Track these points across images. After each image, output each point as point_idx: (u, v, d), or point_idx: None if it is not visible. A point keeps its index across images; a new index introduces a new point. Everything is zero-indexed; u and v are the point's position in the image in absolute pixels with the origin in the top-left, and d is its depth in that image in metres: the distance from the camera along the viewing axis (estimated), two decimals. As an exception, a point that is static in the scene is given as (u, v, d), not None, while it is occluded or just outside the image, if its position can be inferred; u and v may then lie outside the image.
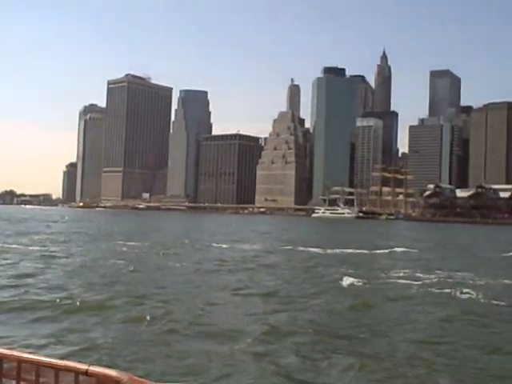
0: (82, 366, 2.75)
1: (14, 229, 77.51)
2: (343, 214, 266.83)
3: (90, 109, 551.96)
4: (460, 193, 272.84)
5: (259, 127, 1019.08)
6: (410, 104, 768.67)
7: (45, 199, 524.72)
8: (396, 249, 55.76)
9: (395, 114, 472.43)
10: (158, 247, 49.86)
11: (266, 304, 22.31)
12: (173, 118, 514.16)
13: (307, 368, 13.50)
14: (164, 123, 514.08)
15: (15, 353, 2.95)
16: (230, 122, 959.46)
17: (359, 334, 17.21)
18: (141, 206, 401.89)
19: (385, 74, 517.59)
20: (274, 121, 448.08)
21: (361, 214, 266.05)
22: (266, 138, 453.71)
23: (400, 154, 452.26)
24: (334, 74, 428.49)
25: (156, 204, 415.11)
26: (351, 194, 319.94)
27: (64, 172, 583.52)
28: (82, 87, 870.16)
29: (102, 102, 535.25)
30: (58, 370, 2.78)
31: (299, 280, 30.54)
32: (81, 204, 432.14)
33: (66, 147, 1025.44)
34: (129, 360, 13.55)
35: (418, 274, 32.61)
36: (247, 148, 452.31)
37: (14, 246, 46.70)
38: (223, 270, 34.07)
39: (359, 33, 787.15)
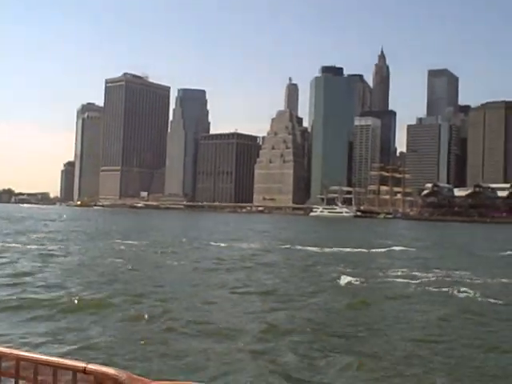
0: (80, 364, 2.74)
1: (12, 227, 77.41)
2: (341, 212, 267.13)
3: (87, 107, 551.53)
4: (458, 192, 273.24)
5: (258, 127, 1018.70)
6: (408, 103, 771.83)
7: (43, 198, 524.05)
8: (394, 248, 55.86)
9: (393, 114, 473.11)
10: (156, 246, 49.85)
11: (264, 302, 22.32)
12: (171, 117, 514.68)
13: (305, 367, 13.52)
14: (162, 122, 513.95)
15: (14, 351, 2.93)
16: (229, 122, 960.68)
17: (357, 333, 17.23)
18: (139, 205, 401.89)
19: (383, 73, 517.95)
20: (272, 120, 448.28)
21: (359, 213, 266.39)
22: (264, 137, 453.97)
23: (398, 153, 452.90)
24: (332, 73, 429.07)
25: (154, 203, 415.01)
26: (349, 192, 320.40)
27: (62, 171, 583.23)
28: (81, 87, 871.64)
29: (100, 101, 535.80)
30: (56, 367, 2.78)
31: (297, 278, 30.56)
32: (79, 203, 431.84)
33: (65, 146, 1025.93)
34: (127, 358, 13.55)
35: (415, 273, 32.64)
36: (245, 147, 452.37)
37: (11, 244, 46.63)
38: (221, 269, 34.06)
39: (357, 32, 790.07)
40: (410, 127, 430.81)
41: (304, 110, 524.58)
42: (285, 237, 76.06)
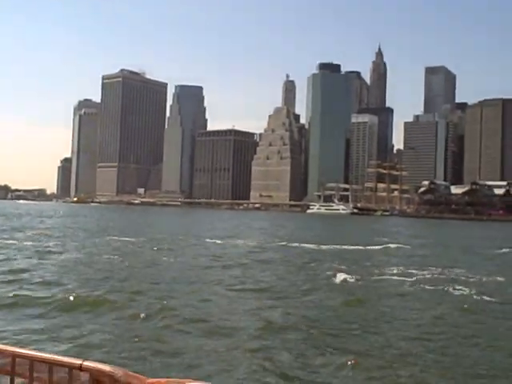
0: (76, 361, 2.73)
1: (8, 224, 77.31)
2: (338, 210, 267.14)
3: (84, 104, 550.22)
4: (455, 189, 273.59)
5: (255, 124, 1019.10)
6: (405, 100, 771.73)
7: (39, 194, 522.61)
8: (390, 245, 56.02)
9: (390, 111, 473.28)
10: (153, 243, 49.86)
11: (260, 300, 22.37)
12: (168, 113, 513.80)
13: (300, 365, 13.58)
14: (159, 119, 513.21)
15: (9, 348, 2.91)
16: (226, 119, 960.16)
17: (352, 331, 17.30)
18: (136, 202, 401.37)
19: (380, 70, 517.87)
20: (270, 117, 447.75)
21: (356, 210, 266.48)
22: (261, 134, 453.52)
23: (395, 151, 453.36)
24: (329, 70, 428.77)
25: (151, 199, 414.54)
26: (346, 190, 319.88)
27: (59, 167, 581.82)
28: (79, 83, 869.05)
29: (97, 98, 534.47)
30: (52, 364, 2.76)
31: (293, 276, 30.63)
32: (75, 199, 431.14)
33: (61, 142, 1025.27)
34: (123, 356, 13.58)
35: (411, 271, 32.73)
36: (242, 144, 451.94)
37: (8, 241, 46.57)
38: (218, 266, 34.11)
39: (355, 29, 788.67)
40: (407, 124, 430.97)
41: (301, 107, 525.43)
42: (281, 234, 76.15)
